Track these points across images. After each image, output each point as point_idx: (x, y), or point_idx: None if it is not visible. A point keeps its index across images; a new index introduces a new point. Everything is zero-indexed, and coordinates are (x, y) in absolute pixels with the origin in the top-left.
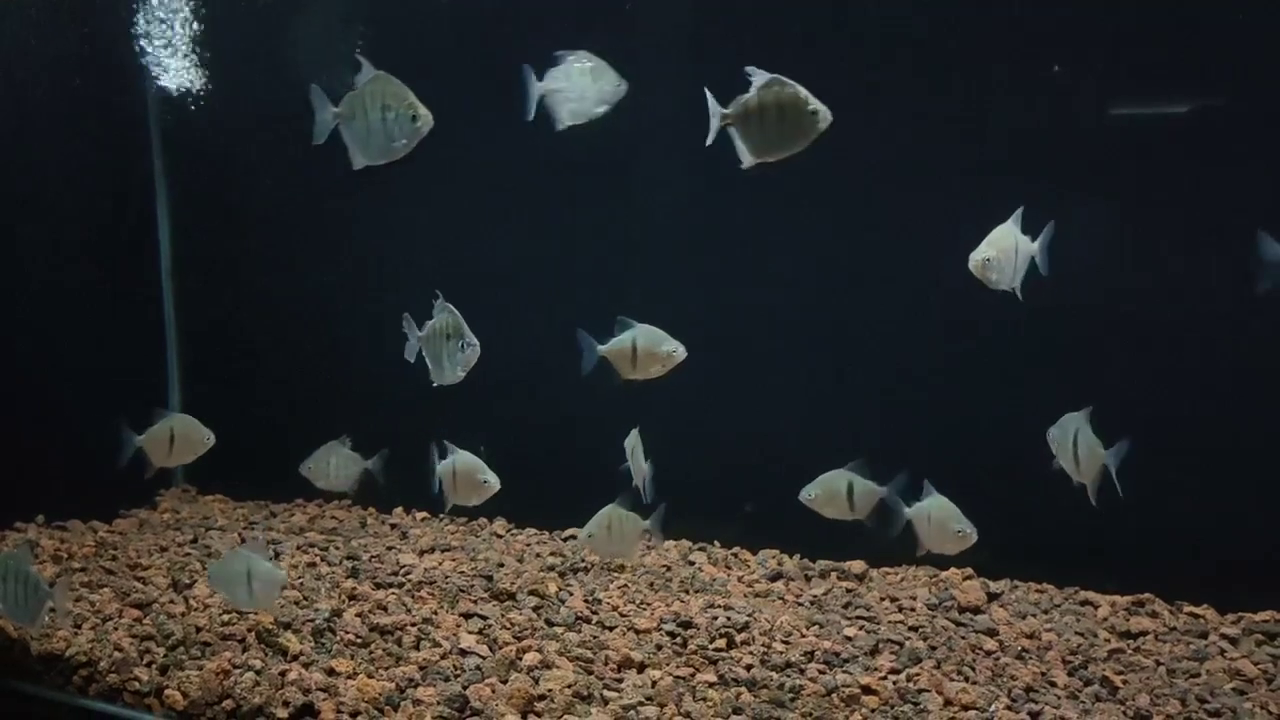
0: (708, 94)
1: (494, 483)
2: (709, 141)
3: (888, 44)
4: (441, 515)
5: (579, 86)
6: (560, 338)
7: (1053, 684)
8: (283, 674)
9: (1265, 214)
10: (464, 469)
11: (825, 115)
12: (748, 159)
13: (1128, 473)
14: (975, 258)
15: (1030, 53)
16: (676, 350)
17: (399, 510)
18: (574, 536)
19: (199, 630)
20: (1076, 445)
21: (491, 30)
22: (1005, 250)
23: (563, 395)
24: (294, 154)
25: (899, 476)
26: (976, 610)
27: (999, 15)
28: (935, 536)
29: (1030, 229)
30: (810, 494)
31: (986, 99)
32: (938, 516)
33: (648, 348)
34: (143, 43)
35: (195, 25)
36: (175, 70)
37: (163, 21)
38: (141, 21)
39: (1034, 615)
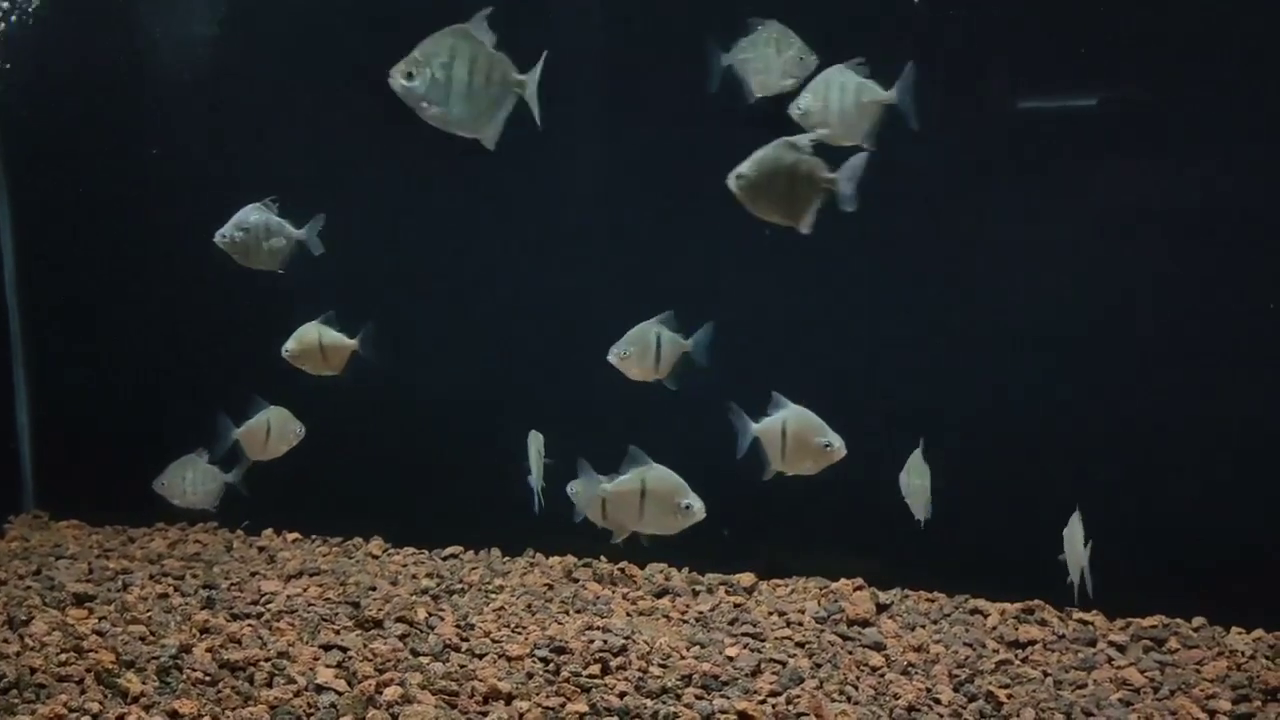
0: None
1: (699, 509)
2: None
3: None
4: (313, 536)
5: (764, 57)
6: (443, 345)
7: (937, 701)
8: (121, 718)
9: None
10: (661, 487)
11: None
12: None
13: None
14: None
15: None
16: (834, 445)
17: (269, 532)
18: (455, 555)
19: (34, 671)
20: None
21: None
22: (644, 346)
23: (447, 407)
24: (153, 147)
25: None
26: (865, 623)
27: None
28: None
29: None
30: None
31: None
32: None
33: (800, 434)
34: None
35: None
36: (15, 56)
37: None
38: None
39: (923, 626)
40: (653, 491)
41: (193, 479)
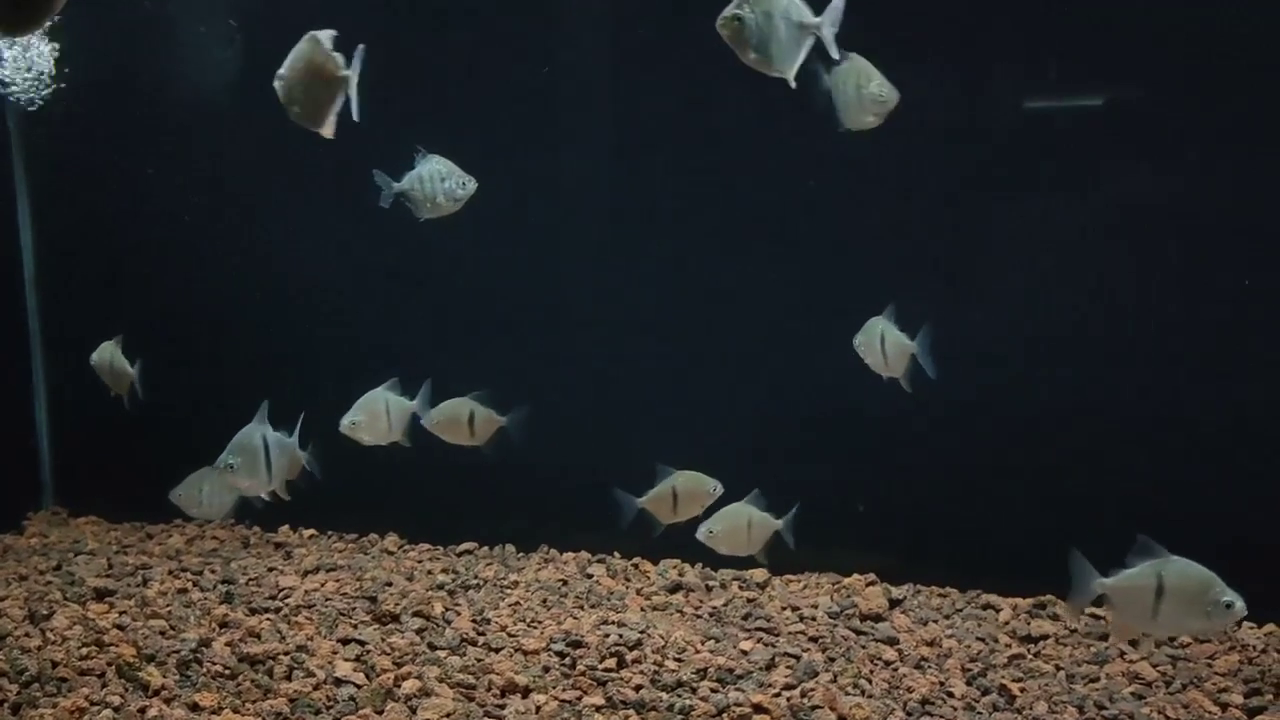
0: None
1: (1241, 606)
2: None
3: None
4: (329, 532)
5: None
6: (461, 346)
7: (950, 694)
8: (142, 710)
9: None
10: (1186, 583)
11: None
12: None
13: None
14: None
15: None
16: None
17: (285, 528)
18: (469, 551)
19: (55, 665)
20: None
21: None
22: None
23: None
24: (161, 156)
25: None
26: (878, 618)
27: None
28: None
29: None
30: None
31: None
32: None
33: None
34: None
35: (54, 22)
36: (34, 70)
37: None
38: None
39: (935, 621)
40: (1175, 589)
41: (208, 490)
